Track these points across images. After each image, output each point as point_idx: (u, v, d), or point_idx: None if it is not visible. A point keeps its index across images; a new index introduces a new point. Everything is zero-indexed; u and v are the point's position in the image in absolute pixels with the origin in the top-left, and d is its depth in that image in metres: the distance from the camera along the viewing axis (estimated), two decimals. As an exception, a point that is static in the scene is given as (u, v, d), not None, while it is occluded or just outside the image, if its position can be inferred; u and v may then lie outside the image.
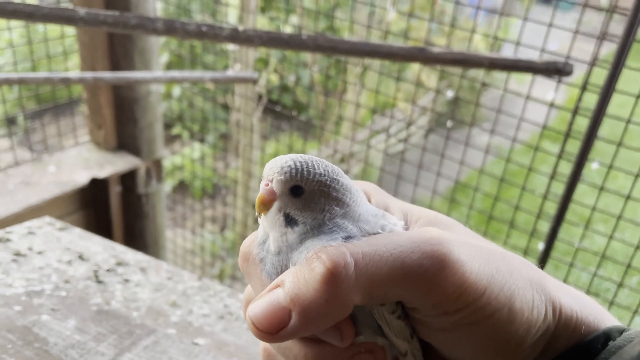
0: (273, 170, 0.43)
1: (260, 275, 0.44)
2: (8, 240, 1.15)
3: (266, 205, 0.43)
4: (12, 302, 0.95)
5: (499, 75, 5.48)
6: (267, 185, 0.44)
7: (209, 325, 1.04)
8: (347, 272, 0.38)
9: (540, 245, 1.98)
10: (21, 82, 1.81)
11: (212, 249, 3.88)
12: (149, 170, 2.45)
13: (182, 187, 4.87)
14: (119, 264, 1.16)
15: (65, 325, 0.92)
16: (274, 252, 0.43)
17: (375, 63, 3.10)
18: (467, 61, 1.36)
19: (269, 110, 4.32)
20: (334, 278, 0.38)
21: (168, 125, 4.55)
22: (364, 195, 0.46)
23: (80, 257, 1.14)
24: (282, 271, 0.42)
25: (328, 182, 0.43)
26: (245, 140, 3.17)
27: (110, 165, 2.33)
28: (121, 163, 2.35)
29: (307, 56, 3.97)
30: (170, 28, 1.27)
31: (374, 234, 0.43)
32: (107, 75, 1.91)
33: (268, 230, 0.44)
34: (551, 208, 1.97)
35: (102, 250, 1.19)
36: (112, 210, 2.36)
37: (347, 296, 0.38)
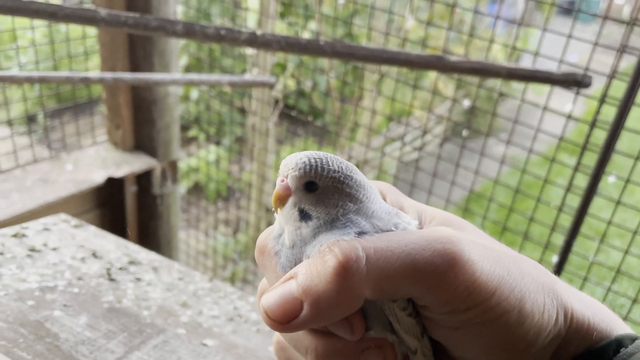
0: (288, 167, 0.44)
1: (275, 268, 0.45)
2: (24, 235, 1.17)
3: (282, 200, 0.45)
4: (26, 297, 0.97)
5: (516, 86, 5.45)
6: (283, 181, 0.45)
7: (219, 327, 1.05)
8: (359, 266, 0.39)
9: (555, 258, 1.96)
10: (42, 80, 1.84)
11: (225, 251, 3.89)
12: (165, 171, 2.47)
13: (196, 189, 4.90)
14: (132, 262, 1.17)
15: (77, 321, 0.93)
16: (289, 246, 0.44)
17: (393, 70, 3.09)
18: (485, 70, 1.36)
19: (285, 115, 4.33)
20: (345, 271, 0.39)
21: (185, 128, 4.59)
22: (378, 193, 0.47)
23: (94, 255, 1.16)
24: (295, 264, 0.43)
25: (342, 179, 0.44)
26: (260, 144, 3.19)
27: (127, 165, 2.36)
28: (137, 163, 2.37)
29: (324, 62, 3.98)
30: (189, 31, 1.28)
31: (387, 231, 0.43)
32: (127, 76, 1.93)
33: (283, 224, 0.45)
34: (566, 221, 1.95)
35: (116, 248, 1.20)
36: (127, 210, 2.38)
37: (357, 289, 0.39)
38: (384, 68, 3.06)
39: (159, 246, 2.62)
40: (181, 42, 3.13)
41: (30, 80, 1.84)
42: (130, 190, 2.36)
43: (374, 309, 0.43)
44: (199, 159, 4.39)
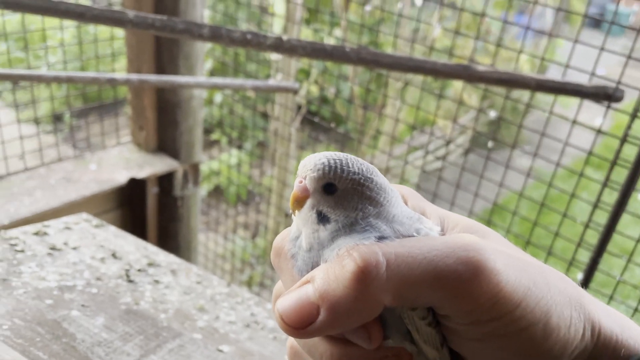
0: (307, 168, 0.43)
1: (291, 271, 0.44)
2: (45, 234, 1.17)
3: (299, 202, 0.44)
4: (44, 296, 0.97)
5: (542, 98, 5.37)
6: (301, 182, 0.44)
7: (235, 333, 1.04)
8: (378, 272, 0.37)
9: (579, 276, 1.91)
10: (69, 80, 1.86)
11: (243, 255, 3.89)
12: (187, 173, 2.48)
13: (217, 192, 4.92)
14: (151, 264, 1.17)
15: (94, 322, 0.93)
16: (306, 249, 0.43)
17: (417, 79, 3.07)
18: (513, 81, 1.33)
19: (308, 121, 4.33)
20: (364, 276, 0.37)
21: (208, 131, 4.62)
22: (399, 197, 0.45)
23: (114, 256, 1.16)
24: (312, 268, 0.42)
25: (362, 181, 0.42)
26: (282, 149, 3.19)
27: (149, 166, 2.37)
28: (160, 165, 2.38)
29: (348, 69, 3.97)
30: (215, 34, 1.28)
31: (408, 236, 0.42)
32: (152, 77, 1.94)
33: (301, 227, 0.44)
34: (592, 237, 1.90)
35: (135, 249, 1.20)
36: (147, 211, 2.39)
37: (377, 296, 0.38)
38: (409, 76, 3.04)
39: (179, 248, 2.63)
40: (207, 45, 3.15)
41: (58, 80, 1.86)
42: (152, 191, 2.38)
43: (393, 317, 0.42)
44: (221, 163, 4.42)
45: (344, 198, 0.42)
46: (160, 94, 2.30)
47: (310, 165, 0.43)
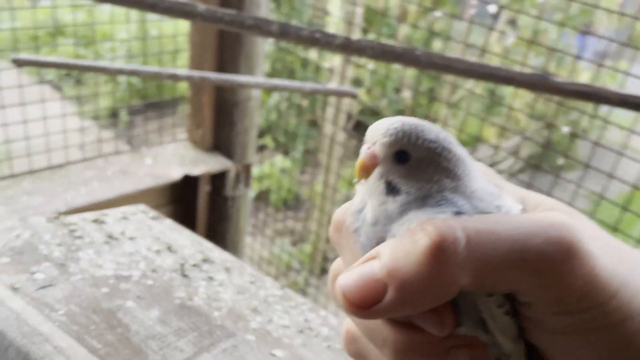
0: (377, 133, 0.39)
1: (353, 247, 0.40)
2: (103, 222, 1.17)
3: (367, 170, 0.39)
4: (101, 284, 0.95)
5: (598, 122, 5.15)
6: (370, 148, 0.39)
7: (288, 338, 1.00)
8: (456, 248, 0.33)
9: None
10: (133, 73, 1.88)
11: (287, 260, 3.88)
12: (239, 174, 2.48)
13: (264, 196, 4.94)
14: (205, 260, 1.14)
15: (149, 314, 0.91)
16: (371, 223, 0.39)
17: (468, 96, 2.99)
18: (593, 95, 1.24)
19: (357, 130, 4.29)
20: (440, 253, 0.33)
21: (259, 134, 4.65)
22: (479, 172, 0.40)
23: (169, 249, 1.14)
24: (377, 243, 0.38)
25: (439, 150, 0.38)
26: (330, 157, 3.15)
27: (203, 164, 2.38)
28: (214, 163, 2.39)
29: (401, 82, 3.92)
30: (284, 31, 1.25)
31: (489, 213, 0.37)
32: (213, 75, 1.94)
33: (366, 198, 0.40)
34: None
35: (190, 244, 1.18)
36: (198, 209, 2.39)
37: (453, 276, 0.33)
38: (460, 93, 2.96)
39: (226, 248, 2.62)
40: (267, 48, 3.16)
41: (122, 73, 1.88)
42: (204, 189, 2.38)
43: (466, 303, 0.37)
44: (270, 166, 4.43)
45: (418, 168, 0.38)
46: (219, 93, 2.31)
47: (381, 129, 0.39)
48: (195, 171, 2.32)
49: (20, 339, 0.78)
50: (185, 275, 1.07)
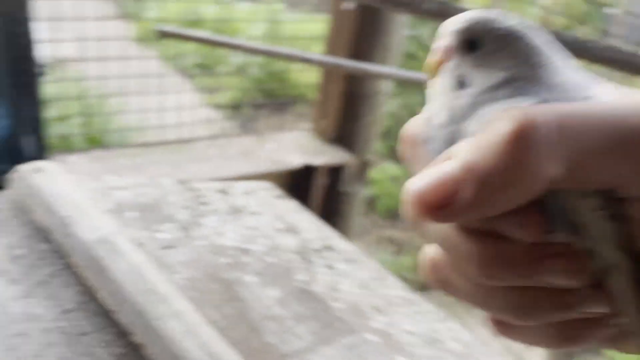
0: (449, 26, 0.35)
1: (426, 156, 0.35)
2: (227, 193, 1.13)
3: (437, 65, 0.35)
4: (222, 253, 0.91)
5: None
6: (441, 44, 0.35)
7: (412, 346, 0.89)
8: (543, 132, 0.28)
9: None
10: (266, 53, 1.87)
11: (388, 268, 3.77)
12: (358, 169, 2.41)
13: (370, 201, 4.87)
14: (327, 247, 1.07)
15: (267, 293, 0.84)
16: (443, 124, 0.34)
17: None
18: None
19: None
20: (527, 137, 0.27)
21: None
22: (569, 62, 0.34)
23: (291, 230, 1.08)
24: (451, 145, 0.32)
25: (515, 36, 0.33)
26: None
27: (324, 155, 2.34)
28: (334, 156, 2.34)
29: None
30: (443, 12, 1.14)
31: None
32: (346, 62, 1.88)
33: (437, 95, 0.35)
34: None
35: (314, 228, 1.12)
36: (312, 200, 2.35)
37: (540, 164, 0.28)
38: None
39: (333, 244, 2.57)
40: (403, 41, 3.09)
41: (255, 51, 1.88)
42: (321, 181, 2.34)
43: (555, 209, 0.31)
44: (380, 171, 4.37)
45: (492, 56, 0.33)
46: (348, 84, 2.25)
47: (452, 22, 0.35)
48: (315, 161, 2.29)
49: (136, 295, 0.74)
50: (305, 259, 1.00)
